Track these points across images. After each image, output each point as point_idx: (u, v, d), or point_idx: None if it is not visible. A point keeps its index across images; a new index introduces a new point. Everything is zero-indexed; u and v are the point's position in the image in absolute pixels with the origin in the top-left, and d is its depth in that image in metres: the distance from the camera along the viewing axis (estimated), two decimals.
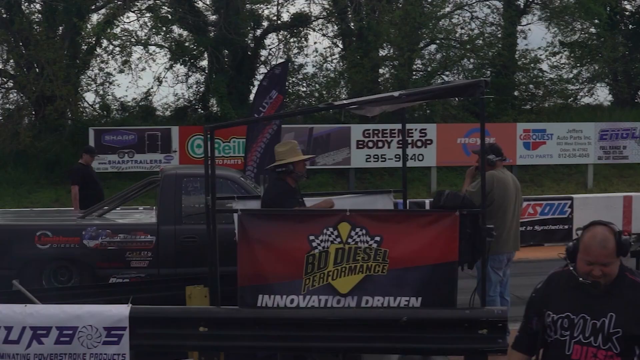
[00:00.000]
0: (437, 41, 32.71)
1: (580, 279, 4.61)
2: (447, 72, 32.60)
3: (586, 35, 37.61)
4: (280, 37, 32.45)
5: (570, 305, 4.73)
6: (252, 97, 25.26)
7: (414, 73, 31.94)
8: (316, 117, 28.40)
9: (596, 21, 34.97)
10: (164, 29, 29.99)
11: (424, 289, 7.67)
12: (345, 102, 9.24)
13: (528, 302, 5.14)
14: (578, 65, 38.01)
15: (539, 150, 25.46)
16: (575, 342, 4.68)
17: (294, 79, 31.54)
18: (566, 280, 4.79)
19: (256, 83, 29.22)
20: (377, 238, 7.57)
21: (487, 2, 34.11)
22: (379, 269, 7.59)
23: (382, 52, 32.32)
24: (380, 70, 32.54)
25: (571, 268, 4.71)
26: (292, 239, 7.64)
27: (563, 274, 4.89)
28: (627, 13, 39.31)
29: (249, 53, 31.52)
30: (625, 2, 38.92)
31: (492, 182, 10.06)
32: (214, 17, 31.46)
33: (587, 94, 38.83)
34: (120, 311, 7.40)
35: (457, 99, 29.21)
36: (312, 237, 7.56)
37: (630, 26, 39.33)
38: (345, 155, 24.10)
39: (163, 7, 30.36)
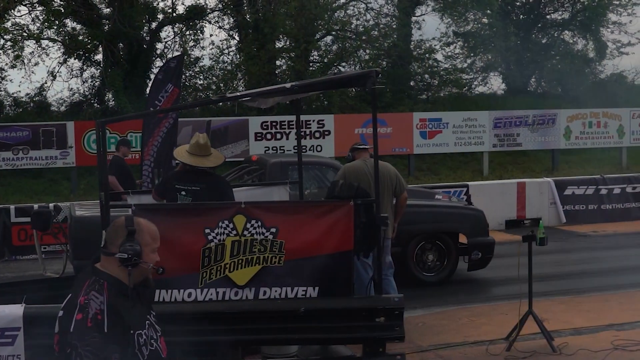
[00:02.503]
0: (333, 32, 32.89)
1: None
2: (343, 63, 32.78)
3: (479, 25, 38.23)
4: (176, 30, 32.20)
5: None
6: (148, 90, 25.02)
7: (311, 64, 32.05)
8: (214, 110, 28.26)
9: (488, 12, 35.56)
10: (57, 22, 29.39)
11: (320, 278, 7.72)
12: (238, 94, 9.23)
13: None
14: (472, 55, 38.65)
15: (435, 139, 25.76)
16: None
17: (190, 72, 31.34)
18: None
19: (152, 76, 28.90)
20: (273, 229, 7.59)
21: None
22: (276, 260, 7.62)
23: (278, 44, 32.35)
24: (277, 62, 32.57)
25: None
26: (187, 232, 7.60)
27: None
28: (518, 3, 40.15)
29: (144, 46, 31.18)
30: None
31: (343, 174, 10.11)
32: (108, 10, 31.02)
33: (481, 83, 39.60)
34: (14, 311, 7.24)
35: (354, 89, 29.38)
36: (207, 231, 7.55)
37: (522, 16, 40.16)
38: (244, 147, 24.00)
39: (55, 0, 29.78)
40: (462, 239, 13.86)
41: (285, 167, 12.72)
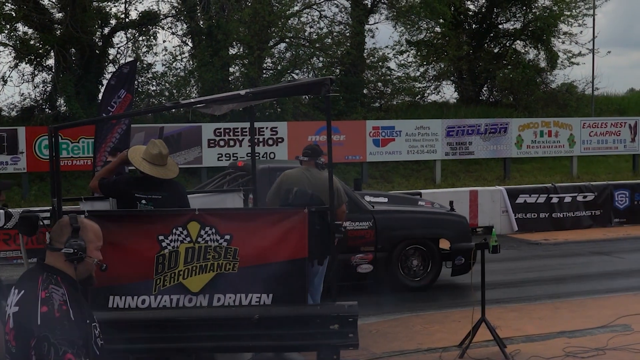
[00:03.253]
0: (287, 40, 32.88)
1: None
2: (297, 71, 32.81)
3: (432, 34, 38.51)
4: (129, 35, 31.98)
5: None
6: (101, 96, 24.85)
7: (264, 71, 32.01)
8: (167, 116, 28.13)
9: (441, 21, 35.80)
10: (8, 26, 29.08)
11: (275, 286, 7.69)
12: (192, 100, 9.17)
13: None
14: (424, 63, 38.90)
15: (388, 147, 25.84)
16: None
17: (143, 78, 31.13)
18: None
19: (105, 82, 28.69)
20: (227, 236, 7.56)
21: (335, 1, 34.56)
22: (230, 267, 7.59)
23: (232, 51, 32.29)
24: (231, 69, 32.49)
25: None
26: (141, 239, 7.56)
27: None
28: (470, 13, 40.46)
29: (97, 52, 30.93)
30: (469, 2, 40.07)
31: (280, 182, 10.09)
32: (60, 14, 30.78)
33: (433, 91, 39.81)
34: None
35: (307, 97, 29.42)
36: (161, 237, 7.50)
37: (474, 26, 40.49)
38: (197, 154, 23.91)
39: (6, 4, 29.46)
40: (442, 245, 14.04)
41: (274, 173, 12.69)
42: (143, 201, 8.55)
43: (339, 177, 12.93)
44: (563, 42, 39.90)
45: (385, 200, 15.25)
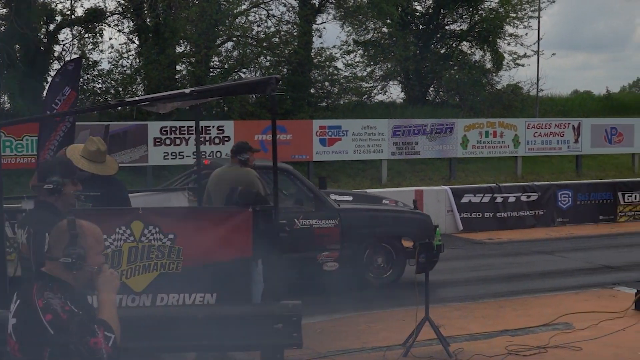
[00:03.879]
0: (234, 38, 32.79)
1: None
2: (244, 70, 32.74)
3: (379, 34, 38.67)
4: (74, 32, 31.68)
5: None
6: (45, 93, 24.55)
7: (211, 70, 31.91)
8: (112, 114, 27.89)
9: (388, 21, 35.95)
10: None
11: (219, 285, 7.67)
12: (137, 98, 9.13)
13: None
14: (372, 63, 39.06)
15: (334, 147, 25.86)
16: None
17: (88, 76, 30.83)
18: None
19: (50, 79, 28.37)
20: (171, 235, 7.52)
21: (283, 1, 34.54)
22: (174, 266, 7.55)
23: (178, 49, 32.14)
24: (178, 67, 32.33)
25: None
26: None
27: None
28: (417, 14, 40.69)
29: (41, 48, 30.58)
30: (416, 3, 40.31)
31: (208, 180, 10.14)
32: (4, 10, 30.35)
33: (380, 91, 40.00)
34: None
35: (254, 96, 29.36)
36: (104, 236, 7.43)
37: (421, 26, 40.73)
38: (143, 152, 23.73)
39: None
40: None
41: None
42: (82, 197, 8.47)
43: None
44: (509, 44, 40.31)
45: (350, 198, 15.32)
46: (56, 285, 4.16)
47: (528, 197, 21.23)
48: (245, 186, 9.97)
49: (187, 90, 7.74)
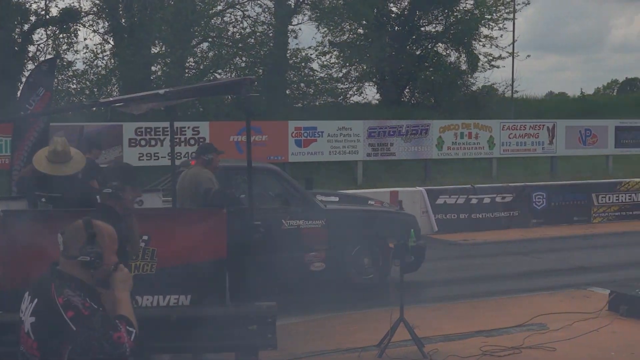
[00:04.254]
0: (210, 39, 32.74)
1: None
2: (219, 70, 32.67)
3: (354, 35, 38.69)
4: (49, 32, 31.53)
5: None
6: (19, 94, 24.40)
7: (187, 71, 31.83)
8: (88, 115, 27.74)
9: (364, 22, 35.99)
10: None
11: (193, 286, 7.65)
12: (111, 99, 9.10)
13: None
14: (347, 64, 39.04)
15: (310, 148, 25.84)
16: None
17: (63, 76, 30.71)
18: None
19: (24, 80, 28.23)
20: (145, 237, 7.49)
21: (259, 1, 34.50)
22: (148, 267, 7.52)
23: (154, 50, 32.03)
24: (153, 68, 32.23)
25: None
26: (53, 240, 7.42)
27: None
28: (393, 15, 40.77)
29: (16, 49, 30.42)
30: (391, 5, 40.34)
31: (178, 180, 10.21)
32: None
33: (356, 92, 40.00)
34: None
35: (229, 97, 29.30)
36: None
37: (396, 28, 40.79)
38: (118, 153, 23.61)
39: None
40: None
41: (230, 173, 12.64)
42: (43, 199, 8.42)
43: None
44: (484, 46, 40.48)
45: (337, 199, 15.33)
46: (74, 283, 4.23)
47: (503, 198, 21.29)
48: (196, 186, 10.06)
49: (161, 91, 7.73)
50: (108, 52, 32.16)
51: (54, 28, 31.49)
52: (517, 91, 41.69)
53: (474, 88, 40.59)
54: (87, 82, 31.08)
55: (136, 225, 6.03)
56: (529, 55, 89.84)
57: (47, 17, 31.20)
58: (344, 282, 13.64)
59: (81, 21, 31.85)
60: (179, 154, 21.75)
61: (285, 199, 13.24)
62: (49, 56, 29.34)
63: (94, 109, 25.35)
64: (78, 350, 4.10)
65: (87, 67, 31.34)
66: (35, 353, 4.18)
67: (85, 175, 15.34)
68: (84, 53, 31.88)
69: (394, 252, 9.99)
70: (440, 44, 41.04)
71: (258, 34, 33.97)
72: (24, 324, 4.22)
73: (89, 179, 15.35)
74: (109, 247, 4.41)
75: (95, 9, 32.25)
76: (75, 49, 31.82)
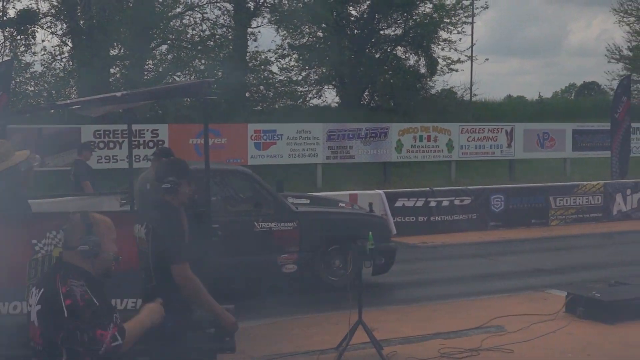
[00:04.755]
0: (169, 42, 32.63)
1: None
2: (178, 73, 32.54)
3: (314, 38, 38.73)
4: (6, 34, 31.24)
5: None
6: None
7: (146, 73, 31.68)
8: (46, 118, 27.51)
9: (323, 25, 36.03)
10: None
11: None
12: (69, 101, 9.03)
13: None
14: (307, 67, 39.09)
15: (269, 151, 25.85)
16: None
17: (20, 78, 30.41)
18: None
19: None
20: None
21: (218, 4, 34.43)
22: None
23: (112, 52, 31.85)
24: (112, 70, 32.05)
25: None
26: (14, 244, 7.38)
27: None
28: (352, 18, 40.85)
29: None
30: (351, 8, 40.42)
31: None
32: None
33: (315, 95, 40.07)
34: None
35: (189, 99, 29.22)
36: (34, 242, 7.35)
37: (356, 31, 40.89)
38: (76, 156, 23.42)
39: None
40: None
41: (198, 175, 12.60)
42: None
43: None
44: (443, 49, 40.75)
45: (308, 201, 15.34)
46: (77, 272, 4.49)
47: (461, 201, 21.39)
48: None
49: (119, 94, 7.69)
50: (66, 54, 31.98)
51: (12, 29, 31.19)
52: (475, 94, 42.00)
53: (433, 91, 40.85)
54: (45, 84, 30.83)
55: (185, 219, 6.36)
56: (487, 59, 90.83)
57: (5, 18, 30.92)
58: (316, 284, 13.68)
59: (39, 23, 31.59)
60: (137, 157, 21.66)
61: (258, 201, 13.25)
62: (5, 58, 29.07)
63: (52, 111, 25.16)
64: (66, 338, 4.29)
65: (45, 69, 31.10)
66: (39, 341, 4.41)
67: (77, 177, 15.47)
68: (42, 55, 31.67)
69: (352, 255, 10.00)
70: (399, 48, 41.22)
71: (217, 36, 33.92)
72: (31, 314, 4.46)
73: (83, 180, 15.39)
74: (106, 236, 4.66)
75: (53, 11, 32.02)
76: (33, 50, 31.60)
